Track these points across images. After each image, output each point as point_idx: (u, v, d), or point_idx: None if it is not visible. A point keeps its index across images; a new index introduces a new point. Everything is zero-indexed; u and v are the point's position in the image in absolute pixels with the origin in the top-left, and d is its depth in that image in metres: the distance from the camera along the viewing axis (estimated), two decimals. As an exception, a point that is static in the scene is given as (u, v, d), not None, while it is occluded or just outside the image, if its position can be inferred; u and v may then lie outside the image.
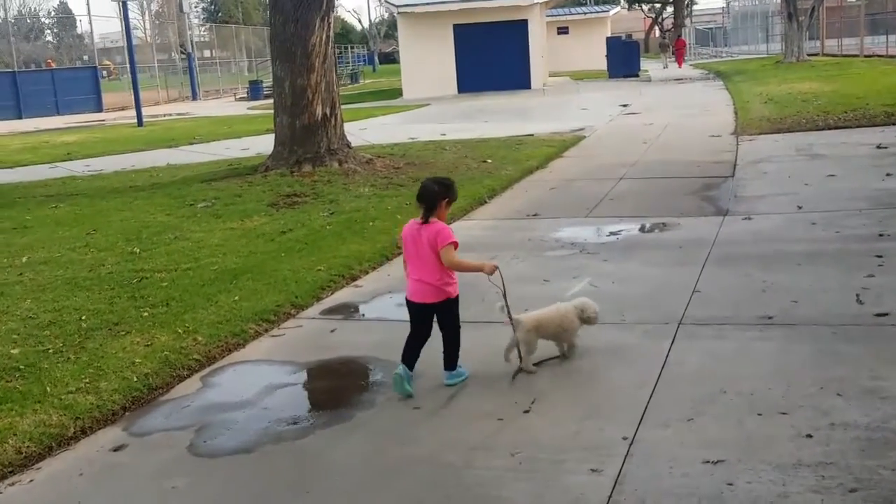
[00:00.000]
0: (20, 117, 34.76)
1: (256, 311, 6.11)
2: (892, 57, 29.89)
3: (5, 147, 21.36)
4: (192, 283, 6.88)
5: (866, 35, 34.37)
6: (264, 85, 37.37)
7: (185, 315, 6.08)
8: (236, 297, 6.41)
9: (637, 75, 35.99)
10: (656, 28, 73.92)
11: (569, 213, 9.18)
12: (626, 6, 74.17)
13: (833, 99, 17.38)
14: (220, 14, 77.08)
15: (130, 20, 29.81)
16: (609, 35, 43.84)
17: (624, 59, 36.24)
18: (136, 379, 5.05)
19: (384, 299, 6.50)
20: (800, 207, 8.31)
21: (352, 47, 76.29)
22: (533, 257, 7.36)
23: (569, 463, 3.77)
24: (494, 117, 21.49)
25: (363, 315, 6.19)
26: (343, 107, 13.35)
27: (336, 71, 12.72)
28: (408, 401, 4.55)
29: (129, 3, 34.86)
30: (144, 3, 74.00)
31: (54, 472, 4.16)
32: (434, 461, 3.92)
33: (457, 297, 4.66)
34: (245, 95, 41.08)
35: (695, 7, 73.88)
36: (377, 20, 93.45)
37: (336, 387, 4.97)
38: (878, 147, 11.32)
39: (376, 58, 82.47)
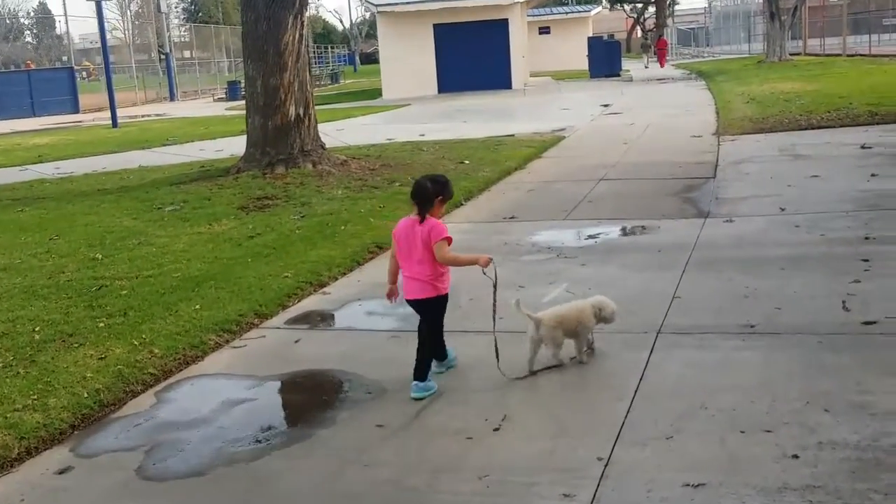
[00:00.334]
0: (-5, 119, 34.20)
1: (218, 320, 5.83)
2: (874, 56, 29.88)
3: (-24, 149, 20.92)
4: (152, 291, 6.59)
5: (849, 34, 34.40)
6: (242, 85, 36.94)
7: (143, 326, 5.79)
8: (197, 306, 6.12)
9: (619, 75, 35.87)
10: (638, 28, 73.94)
11: (546, 215, 8.95)
12: (608, 6, 74.12)
13: (816, 98, 17.25)
14: (199, 14, 76.52)
15: (110, 20, 29.41)
16: (591, 35, 43.69)
17: (605, 59, 36.10)
18: (86, 395, 4.77)
19: (353, 307, 6.23)
20: (783, 209, 8.11)
21: (333, 47, 75.93)
22: (509, 262, 7.09)
23: (540, 486, 3.52)
24: (474, 117, 21.25)
25: (330, 324, 5.92)
26: (322, 107, 13.12)
27: (310, 70, 12.43)
28: (371, 418, 4.28)
29: (106, 2, 34.47)
30: (124, 3, 73.38)
31: (-10, 498, 3.88)
32: (397, 484, 3.66)
33: (447, 295, 4.60)
34: (224, 96, 40.67)
35: (677, 7, 74.01)
36: (358, 20, 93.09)
37: (296, 403, 4.70)
38: (863, 147, 11.15)
39: (357, 58, 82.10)
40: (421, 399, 4.44)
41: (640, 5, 73.68)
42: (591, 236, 7.83)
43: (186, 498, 3.75)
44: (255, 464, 3.94)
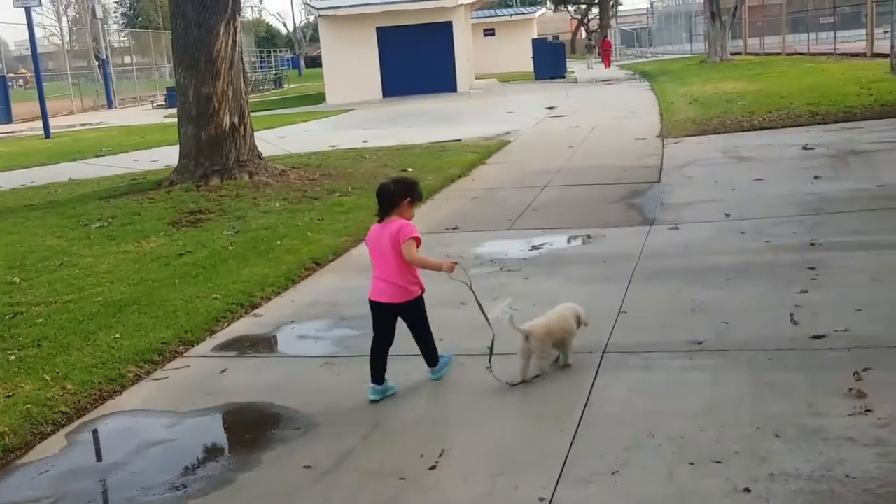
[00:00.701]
0: (-79, 131, 32.91)
1: (139, 350, 5.46)
2: (813, 54, 30.32)
3: None
4: (70, 318, 6.18)
5: (788, 33, 34.90)
6: (181, 92, 36.12)
7: (57, 358, 5.39)
8: (117, 335, 5.74)
9: (564, 77, 35.91)
10: (583, 29, 74.40)
11: (490, 225, 8.71)
12: (553, 8, 74.50)
13: (757, 98, 17.33)
14: (139, 19, 74.95)
15: (47, 27, 28.47)
16: (535, 36, 43.75)
17: (550, 60, 36.11)
18: (-11, 439, 4.38)
19: (285, 331, 5.90)
20: (728, 215, 7.97)
21: (277, 51, 75.08)
22: (450, 277, 6.82)
23: (478, 533, 3.25)
24: (418, 122, 20.99)
25: (259, 351, 5.58)
26: (265, 113, 12.74)
27: (244, 77, 12.04)
28: (299, 458, 3.97)
29: (40, 8, 33.34)
30: (60, 8, 71.59)
31: None
32: (324, 535, 3.37)
33: (421, 296, 4.55)
34: (163, 103, 39.76)
35: (620, 8, 74.69)
36: (302, 23, 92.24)
37: (219, 442, 4.37)
38: (805, 148, 11.13)
39: (302, 61, 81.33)
40: (440, 378, 4.62)
41: (583, 6, 74.18)
42: (535, 247, 7.61)
43: (92, 557, 3.41)
44: (170, 515, 3.62)
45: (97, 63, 44.66)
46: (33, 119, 33.77)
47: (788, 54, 32.67)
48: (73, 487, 3.95)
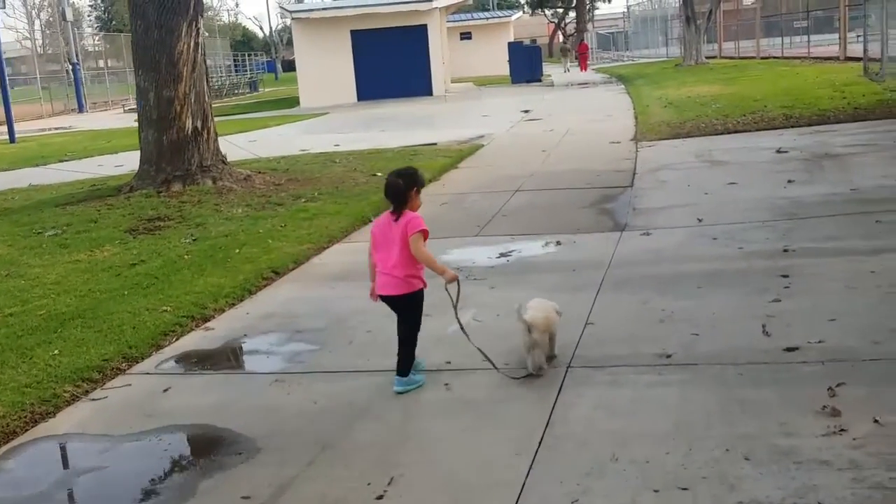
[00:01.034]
0: None
1: (77, 367, 5.15)
2: (787, 58, 30.37)
3: None
4: (9, 333, 5.85)
5: (762, 37, 34.97)
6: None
7: (-10, 377, 5.07)
8: (56, 351, 5.43)
9: (540, 80, 35.80)
10: (559, 33, 74.47)
11: (458, 231, 8.44)
12: (530, 11, 74.52)
13: (732, 101, 17.22)
14: (113, 22, 74.17)
15: (19, 30, 27.92)
16: (512, 40, 43.62)
17: (526, 64, 36.00)
18: None
19: (236, 346, 5.61)
20: (700, 220, 7.76)
21: (254, 54, 74.50)
22: (445, 286, 6.56)
23: (424, 571, 2.99)
24: (392, 126, 20.73)
25: (206, 367, 5.27)
26: (237, 117, 12.40)
27: (208, 80, 11.72)
28: (238, 487, 3.69)
29: (12, 12, 32.80)
30: (33, 12, 70.73)
31: None
32: (258, 573, 3.09)
33: (422, 290, 4.53)
34: (135, 107, 39.13)
35: (597, 12, 74.78)
36: (279, 27, 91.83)
37: (154, 469, 4.05)
38: (779, 151, 10.96)
39: (279, 65, 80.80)
40: (404, 392, 4.45)
41: (560, 10, 74.24)
42: (503, 254, 7.35)
43: None
44: (93, 552, 3.32)
45: (69, 66, 44.05)
46: (2, 123, 33.25)
47: (763, 58, 32.72)
48: (-9, 521, 3.65)
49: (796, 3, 34.48)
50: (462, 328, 4.58)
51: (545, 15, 76.51)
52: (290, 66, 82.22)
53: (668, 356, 4.60)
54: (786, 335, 4.70)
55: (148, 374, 5.19)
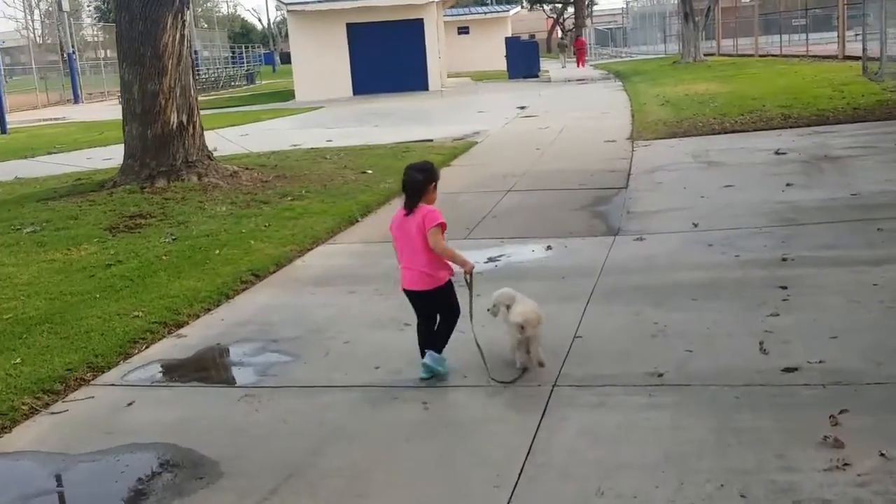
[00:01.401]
0: None
1: (39, 377, 4.89)
2: (785, 56, 30.12)
3: None
4: (-28, 339, 5.59)
5: (760, 35, 34.71)
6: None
7: (-54, 387, 4.81)
8: (18, 359, 5.17)
9: (537, 76, 35.51)
10: (558, 28, 74.15)
11: (447, 233, 8.15)
12: (528, 6, 74.14)
13: (730, 100, 16.97)
14: (112, 13, 73.65)
15: (18, 20, 27.56)
16: (510, 35, 43.29)
17: (524, 59, 35.71)
18: None
19: (208, 355, 5.35)
20: (695, 225, 7.51)
21: (252, 46, 74.05)
22: (398, 293, 6.20)
23: None
24: (386, 121, 20.45)
25: (174, 379, 5.02)
26: (231, 109, 12.09)
27: (194, 74, 11.43)
28: (195, 516, 3.44)
29: (9, 1, 32.38)
30: (32, 2, 70.19)
31: None
32: None
33: (449, 282, 4.52)
34: (130, 98, 38.78)
35: (595, 7, 74.48)
36: (278, 19, 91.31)
37: (107, 494, 3.77)
38: (777, 153, 10.71)
39: (277, 57, 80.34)
40: (431, 370, 4.45)
41: (559, 5, 73.88)
42: (491, 259, 7.10)
43: None
44: (34, 590, 3.07)
45: (64, 57, 43.67)
46: (-6, 113, 32.88)
47: (761, 56, 32.46)
48: (-70, 551, 3.40)
49: (795, 1, 34.23)
50: (472, 323, 4.55)
51: (543, 10, 76.19)
52: (288, 58, 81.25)
53: (660, 375, 4.35)
54: (784, 354, 4.45)
55: (113, 385, 4.93)
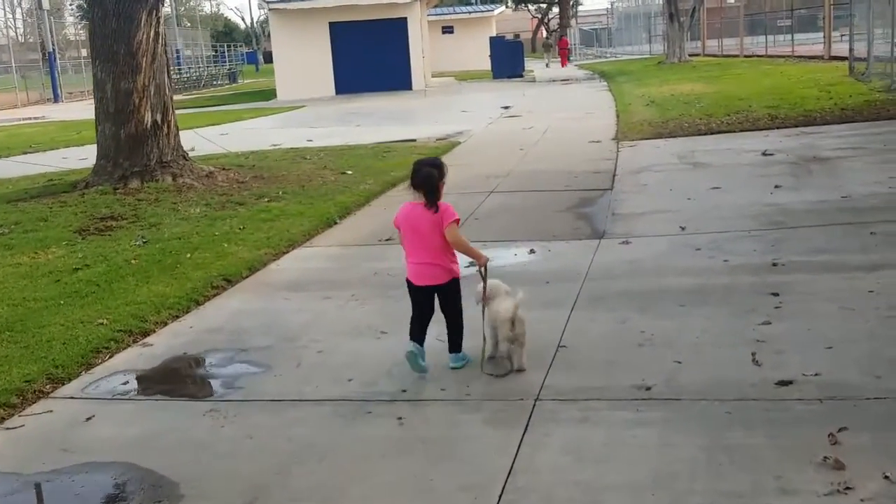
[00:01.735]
0: None
1: (-6, 391, 4.63)
2: (770, 56, 30.07)
3: None
4: (-74, 348, 5.31)
5: (745, 35, 34.68)
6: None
7: None
8: (-27, 371, 4.90)
9: (521, 76, 35.33)
10: (543, 28, 74.06)
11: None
12: (513, 6, 74.01)
13: (715, 100, 16.83)
14: (91, 11, 72.80)
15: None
16: (494, 35, 43.12)
17: (508, 59, 35.53)
18: None
19: (174, 365, 5.09)
20: (683, 228, 7.31)
21: (235, 45, 73.55)
22: (375, 298, 6.09)
23: None
24: (368, 121, 20.20)
25: (137, 392, 4.75)
26: (212, 109, 11.79)
27: (169, 72, 11.15)
28: (150, 544, 3.19)
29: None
30: (14, 0, 69.38)
31: None
32: None
33: (458, 279, 4.59)
34: (110, 97, 38.30)
35: (580, 8, 74.45)
36: (262, 18, 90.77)
37: (59, 519, 3.55)
38: (764, 154, 10.54)
39: (260, 56, 79.89)
40: (459, 367, 4.52)
41: (544, 5, 73.79)
42: (471, 263, 6.85)
43: None
44: None
45: (44, 55, 43.11)
46: (-31, 113, 32.41)
47: (746, 56, 32.42)
48: None
49: (780, 2, 34.21)
50: (483, 314, 4.59)
51: (528, 10, 76.06)
52: (271, 57, 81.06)
53: (648, 388, 4.13)
54: (778, 365, 4.25)
55: (73, 398, 4.67)
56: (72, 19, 73.64)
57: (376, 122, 19.99)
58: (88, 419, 4.37)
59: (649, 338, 4.81)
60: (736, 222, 7.35)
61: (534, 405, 4.08)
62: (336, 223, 8.77)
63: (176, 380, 4.93)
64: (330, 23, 30.35)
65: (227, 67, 55.82)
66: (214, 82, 49.64)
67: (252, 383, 4.68)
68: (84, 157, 15.23)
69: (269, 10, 31.03)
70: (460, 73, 41.34)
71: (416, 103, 25.53)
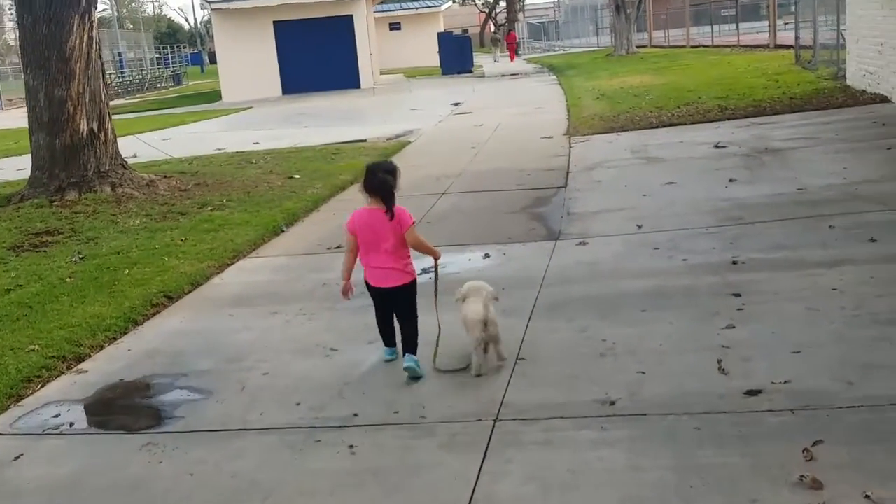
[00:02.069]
0: None
1: (-90, 432, 4.27)
2: (717, 47, 30.30)
3: None
4: None
5: (691, 26, 34.95)
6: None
7: None
8: None
9: (471, 71, 35.16)
10: (491, 23, 73.97)
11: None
12: (460, 1, 73.83)
13: (665, 92, 16.81)
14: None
15: None
16: (442, 30, 42.89)
17: (457, 55, 35.32)
18: None
19: (110, 394, 4.76)
20: (639, 226, 7.15)
21: (180, 47, 72.23)
22: (323, 312, 5.81)
23: None
24: (316, 121, 19.83)
25: (70, 425, 4.42)
26: (155, 112, 11.38)
27: (104, 78, 10.71)
28: None
29: None
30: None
31: None
32: None
33: (416, 279, 4.64)
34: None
35: (527, 1, 74.54)
36: (206, 19, 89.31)
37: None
38: (717, 146, 10.47)
39: (206, 57, 78.59)
40: (416, 373, 4.45)
41: (491, 0, 73.71)
42: (424, 271, 6.54)
43: None
44: None
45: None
46: None
47: (693, 46, 32.66)
48: None
49: (724, -8, 34.53)
50: (436, 308, 4.66)
51: (476, 5, 75.92)
52: (216, 58, 79.89)
53: (612, 403, 3.93)
54: (745, 373, 4.08)
55: (1, 434, 4.33)
56: (11, 24, 71.72)
57: (324, 122, 19.63)
58: (16, 458, 4.04)
59: (611, 347, 4.61)
60: (693, 218, 7.22)
61: (493, 426, 3.85)
62: (283, 231, 8.47)
63: (111, 410, 4.61)
64: (274, 22, 29.84)
65: (172, 69, 54.81)
66: (158, 85, 48.69)
67: (193, 412, 4.38)
68: (22, 167, 14.62)
69: (212, 10, 30.40)
70: (409, 70, 41.05)
71: (364, 102, 25.19)
